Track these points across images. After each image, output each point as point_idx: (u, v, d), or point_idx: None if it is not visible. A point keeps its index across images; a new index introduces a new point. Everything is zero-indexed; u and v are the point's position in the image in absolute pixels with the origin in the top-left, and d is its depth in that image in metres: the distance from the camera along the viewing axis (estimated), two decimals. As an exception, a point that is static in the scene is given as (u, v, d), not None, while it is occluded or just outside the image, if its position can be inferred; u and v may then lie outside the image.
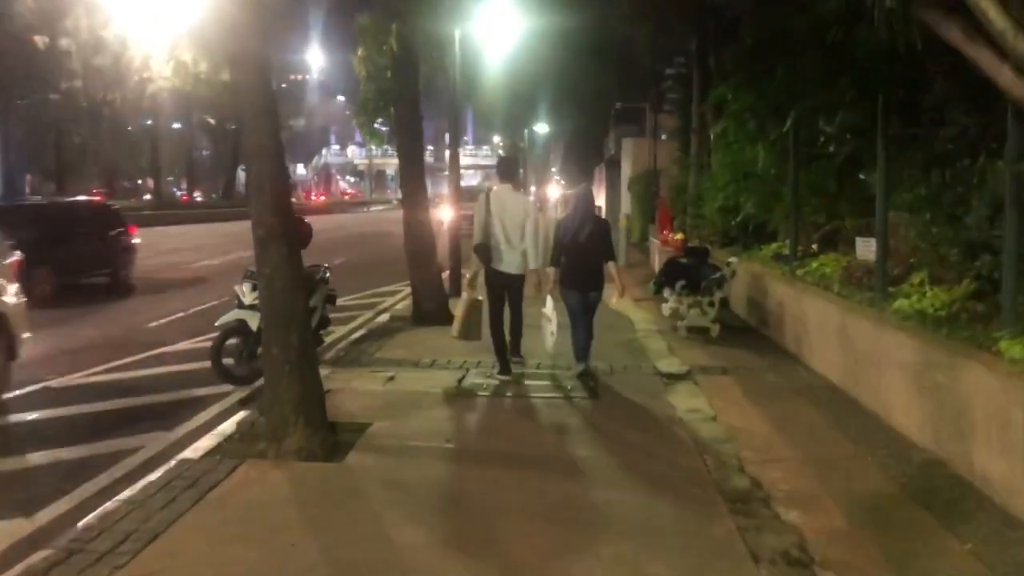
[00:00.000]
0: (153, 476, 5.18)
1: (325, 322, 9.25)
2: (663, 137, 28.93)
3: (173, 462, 5.45)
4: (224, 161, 68.68)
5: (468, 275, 8.20)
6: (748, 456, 5.65)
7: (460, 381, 7.64)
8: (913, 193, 7.26)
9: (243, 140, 6.01)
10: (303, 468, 5.33)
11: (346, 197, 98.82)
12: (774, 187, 11.26)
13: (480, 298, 8.04)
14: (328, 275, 9.41)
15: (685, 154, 18.95)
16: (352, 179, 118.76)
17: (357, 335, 10.14)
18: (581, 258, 7.79)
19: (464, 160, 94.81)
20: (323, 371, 7.53)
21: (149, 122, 56.10)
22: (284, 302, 5.74)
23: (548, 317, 8.08)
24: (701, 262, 10.75)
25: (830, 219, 9.97)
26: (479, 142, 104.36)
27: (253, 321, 7.79)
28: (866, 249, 8.69)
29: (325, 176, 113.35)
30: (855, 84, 7.48)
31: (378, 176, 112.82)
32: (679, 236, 13.19)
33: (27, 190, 49.80)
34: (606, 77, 27.62)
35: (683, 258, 10.85)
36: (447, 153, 12.74)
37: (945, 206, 6.80)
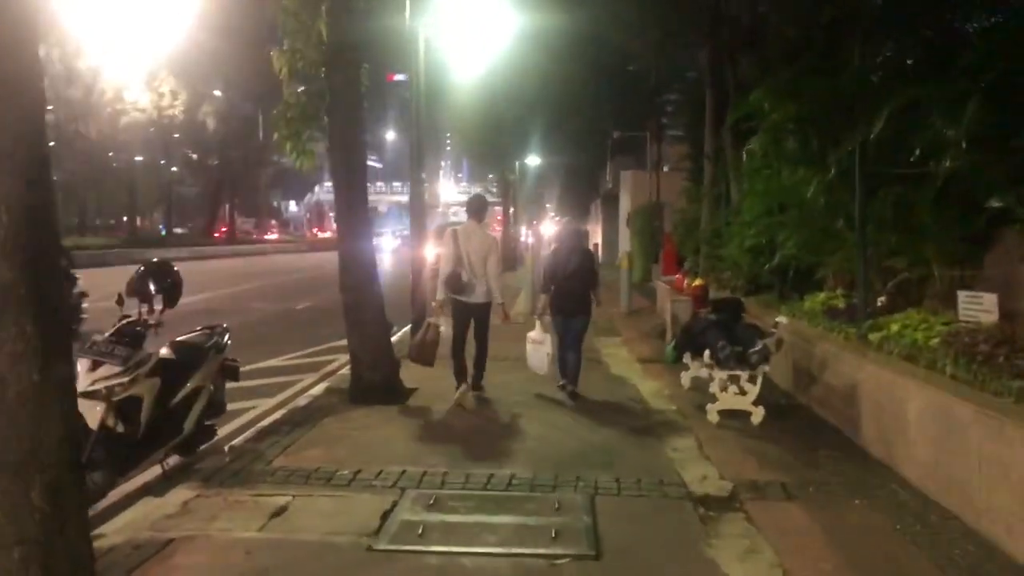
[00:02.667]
0: None
1: (217, 408, 6.64)
2: (665, 169, 26.52)
3: None
4: (206, 197, 66.39)
5: (436, 304, 8.38)
6: None
7: (384, 519, 4.92)
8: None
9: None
10: None
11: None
12: (825, 221, 8.67)
13: (441, 326, 8.39)
14: (226, 340, 6.82)
15: (696, 184, 16.40)
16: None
17: (269, 420, 7.44)
18: (569, 286, 8.38)
19: (458, 196, 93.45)
20: (182, 495, 5.10)
21: (139, 158, 53.83)
22: (23, 425, 3.10)
23: (539, 341, 8.55)
24: (734, 319, 8.11)
25: (913, 264, 7.36)
26: (475, 178, 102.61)
27: (91, 415, 5.21)
28: (975, 307, 6.10)
29: (318, 213, 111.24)
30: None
31: (372, 213, 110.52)
32: (698, 282, 10.59)
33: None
34: (602, 103, 25.23)
35: (711, 313, 8.20)
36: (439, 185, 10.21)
37: None
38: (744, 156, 10.09)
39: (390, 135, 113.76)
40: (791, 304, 9.64)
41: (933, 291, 7.40)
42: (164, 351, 6.22)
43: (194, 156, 61.93)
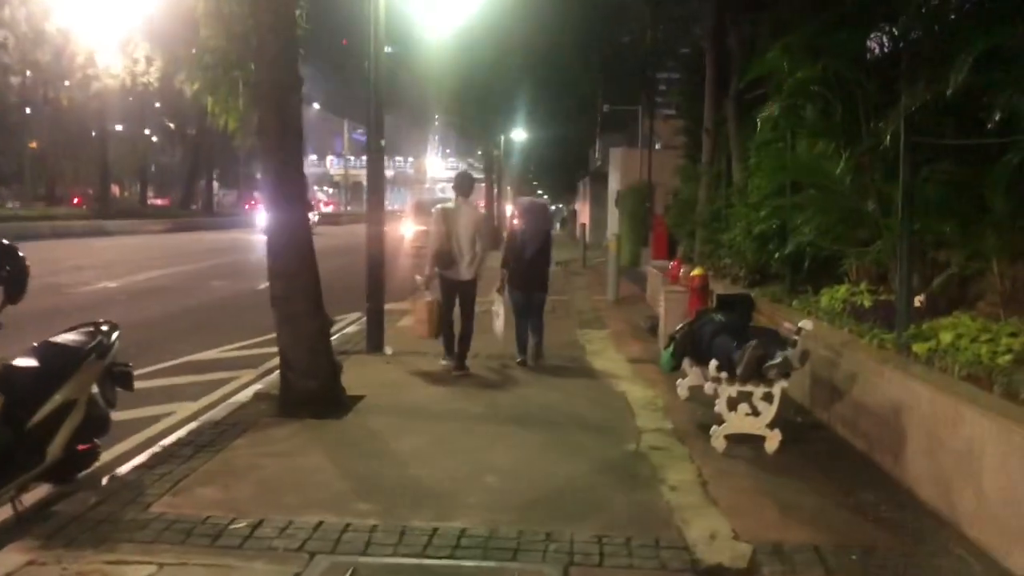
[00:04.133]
0: None
1: (98, 425, 5.26)
2: (657, 147, 25.10)
3: None
4: (185, 168, 64.44)
5: (422, 279, 8.60)
6: None
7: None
8: None
9: None
10: None
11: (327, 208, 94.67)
12: (852, 203, 7.30)
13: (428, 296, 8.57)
14: (113, 340, 5.41)
15: (692, 161, 14.98)
16: (329, 190, 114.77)
17: (173, 438, 6.02)
18: (528, 264, 8.71)
19: (446, 173, 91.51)
20: (8, 562, 3.92)
21: (119, 127, 51.87)
22: None
23: (496, 312, 8.89)
24: (744, 320, 6.76)
25: (970, 258, 6.00)
26: (462, 154, 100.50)
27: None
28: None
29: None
30: None
31: (354, 187, 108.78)
32: (697, 272, 9.20)
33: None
34: (592, 74, 23.75)
35: (715, 313, 6.83)
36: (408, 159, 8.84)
37: None
38: (758, 125, 8.67)
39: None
40: (804, 299, 8.29)
41: (989, 291, 6.05)
42: (21, 359, 4.82)
43: (172, 125, 59.99)
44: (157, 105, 52.76)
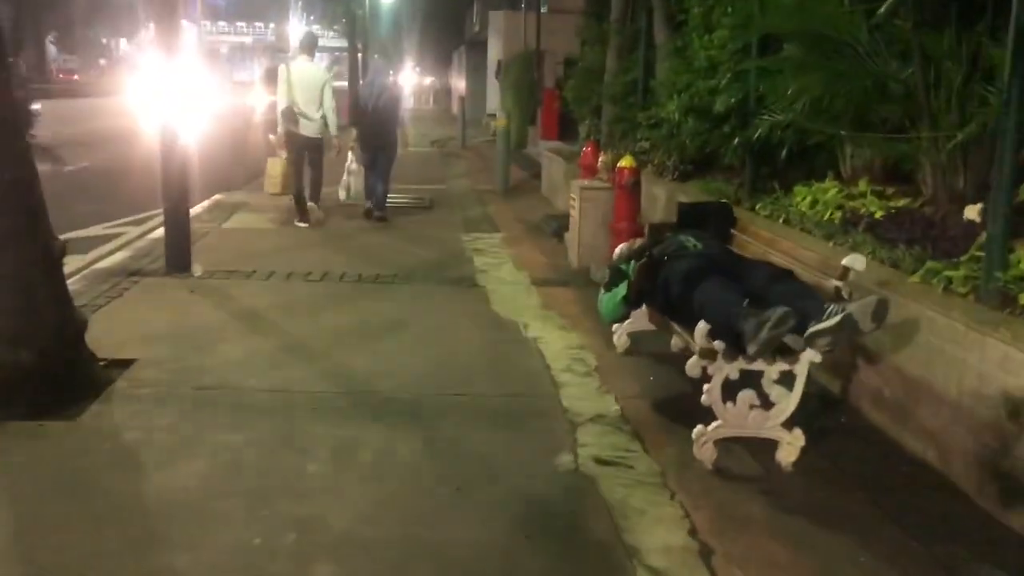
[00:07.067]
0: None
1: None
2: (544, 9, 22.19)
3: None
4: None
5: (274, 137, 9.08)
6: None
7: None
8: None
9: None
10: None
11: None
12: (869, 67, 4.99)
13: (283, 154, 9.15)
14: None
15: (598, 21, 12.27)
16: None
17: None
18: (375, 122, 9.18)
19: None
20: None
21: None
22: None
23: (349, 170, 9.85)
24: (723, 244, 4.43)
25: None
26: (328, 20, 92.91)
27: None
28: None
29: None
30: None
31: (210, 55, 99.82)
32: (626, 163, 6.73)
33: None
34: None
35: (683, 233, 4.42)
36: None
37: None
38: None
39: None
40: (773, 202, 6.05)
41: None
42: None
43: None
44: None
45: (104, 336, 4.78)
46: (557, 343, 5.25)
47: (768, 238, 4.42)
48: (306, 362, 4.77)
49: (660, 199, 7.68)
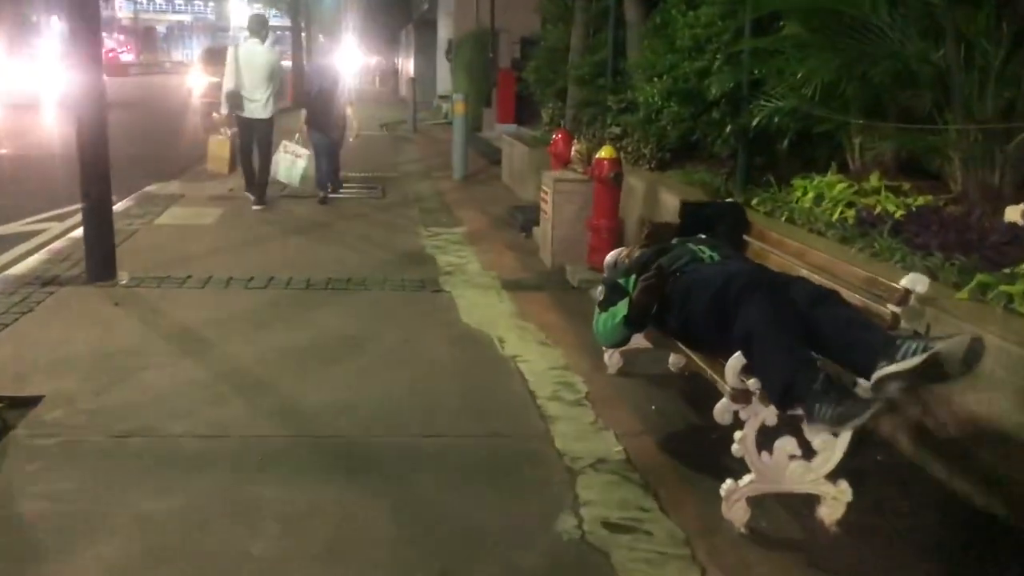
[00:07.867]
0: None
1: None
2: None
3: None
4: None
5: (218, 117, 8.88)
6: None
7: None
8: None
9: None
10: None
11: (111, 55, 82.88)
12: (891, 47, 4.40)
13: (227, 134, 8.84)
14: None
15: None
16: (121, 37, 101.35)
17: None
18: (324, 103, 9.18)
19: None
20: None
21: None
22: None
23: (296, 153, 9.07)
24: (739, 251, 3.81)
25: None
26: (276, 0, 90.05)
27: None
28: None
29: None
30: None
31: (146, 34, 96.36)
32: (605, 153, 6.06)
33: None
34: None
35: (691, 240, 3.78)
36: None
37: None
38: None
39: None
40: (770, 196, 5.46)
41: None
42: None
43: None
44: None
45: (7, 364, 4.03)
46: (539, 363, 4.59)
47: (797, 249, 3.78)
48: (248, 395, 4.03)
49: (638, 191, 7.03)
